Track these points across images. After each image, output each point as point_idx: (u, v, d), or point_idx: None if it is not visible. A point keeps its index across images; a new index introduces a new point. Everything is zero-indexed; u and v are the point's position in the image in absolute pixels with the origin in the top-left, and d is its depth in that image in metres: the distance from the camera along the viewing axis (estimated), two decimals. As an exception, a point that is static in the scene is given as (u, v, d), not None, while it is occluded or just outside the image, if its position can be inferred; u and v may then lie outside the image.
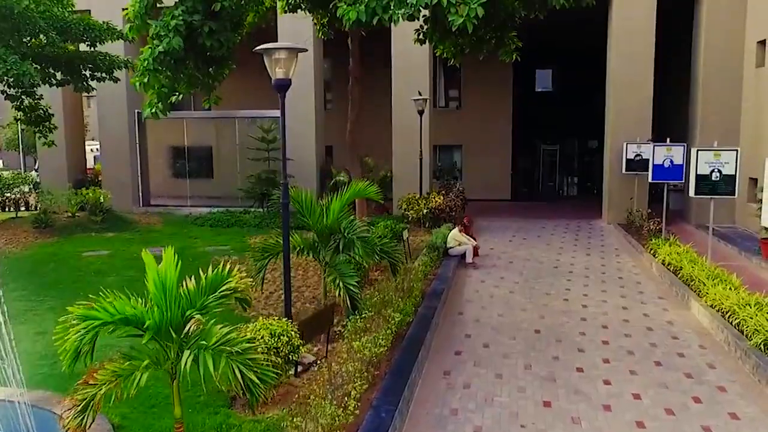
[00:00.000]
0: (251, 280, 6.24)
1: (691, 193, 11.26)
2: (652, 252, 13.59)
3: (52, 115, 16.05)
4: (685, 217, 18.41)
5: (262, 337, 6.36)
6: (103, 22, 16.16)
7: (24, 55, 13.65)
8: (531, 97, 27.16)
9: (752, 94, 16.55)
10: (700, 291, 10.32)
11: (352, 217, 9.48)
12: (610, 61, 18.12)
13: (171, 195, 22.16)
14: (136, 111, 20.99)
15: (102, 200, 18.49)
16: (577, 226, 18.43)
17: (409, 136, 18.49)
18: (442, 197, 17.19)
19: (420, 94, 17.70)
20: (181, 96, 9.93)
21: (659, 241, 13.85)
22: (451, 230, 14.17)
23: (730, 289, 9.75)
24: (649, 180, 14.55)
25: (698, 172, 10.90)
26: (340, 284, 7.98)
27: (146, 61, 8.84)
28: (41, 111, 15.47)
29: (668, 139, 14.62)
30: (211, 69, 10.11)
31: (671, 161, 14.02)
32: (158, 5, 9.47)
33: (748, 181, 16.66)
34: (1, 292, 5.84)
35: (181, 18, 8.76)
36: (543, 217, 19.88)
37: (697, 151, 10.95)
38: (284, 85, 7.19)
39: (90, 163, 27.27)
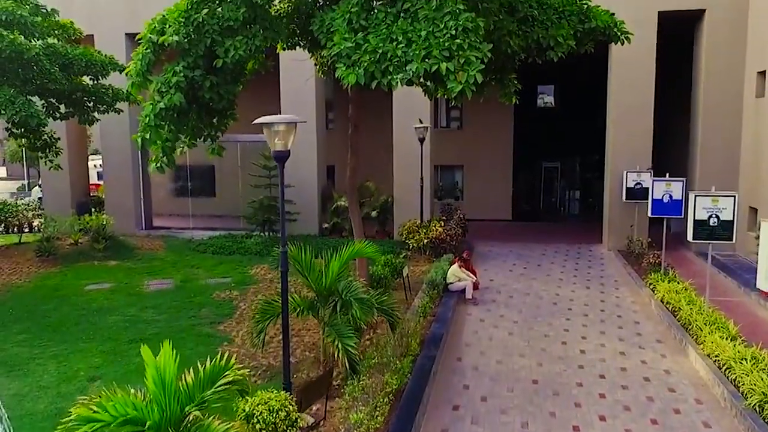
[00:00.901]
0: (248, 369, 6.29)
1: (690, 238, 11.32)
2: (651, 287, 13.67)
3: (58, 139, 16.15)
4: (684, 241, 18.40)
5: (260, 413, 6.43)
6: (105, 56, 16.29)
7: (29, 91, 13.78)
8: (532, 114, 27.16)
9: (752, 123, 16.59)
10: (697, 336, 10.39)
11: (350, 278, 9.55)
12: (611, 89, 18.17)
13: (173, 213, 22.30)
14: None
15: (105, 225, 18.60)
16: (577, 252, 18.48)
17: (410, 161, 18.58)
18: (442, 226, 17.25)
19: (420, 121, 17.77)
20: (185, 148, 10.01)
21: (658, 275, 13.92)
22: (450, 264, 14.24)
23: (727, 339, 9.81)
24: (649, 215, 14.59)
25: (696, 218, 10.95)
26: (339, 346, 8.05)
27: (148, 118, 8.93)
28: (47, 138, 15.57)
29: (668, 174, 14.68)
30: (214, 120, 10.20)
31: (670, 196, 14.08)
32: (161, 56, 9.53)
33: (748, 210, 16.73)
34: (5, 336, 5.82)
35: (182, 74, 8.84)
36: (543, 242, 19.93)
37: (695, 196, 11.00)
38: (283, 156, 7.27)
39: (93, 178, 27.40)
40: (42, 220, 18.75)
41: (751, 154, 16.60)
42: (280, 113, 18.50)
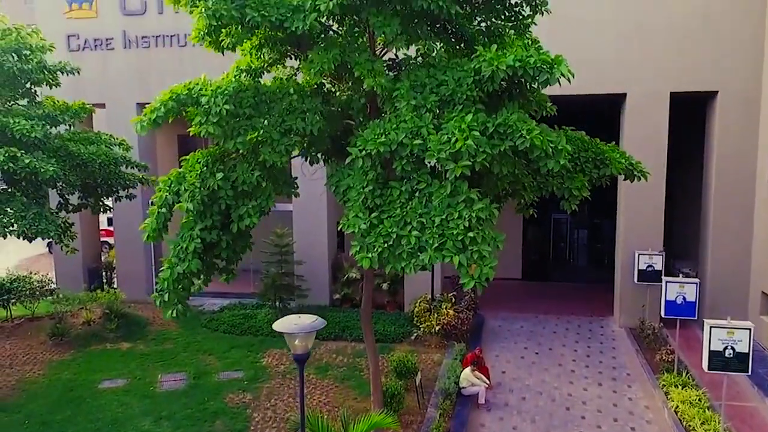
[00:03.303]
0: None
1: (705, 368, 11.27)
2: (665, 390, 13.63)
3: (72, 224, 16.25)
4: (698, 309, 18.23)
5: None
6: (119, 142, 16.42)
7: (42, 195, 13.89)
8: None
9: (765, 207, 16.50)
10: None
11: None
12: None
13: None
14: (150, 201, 21.20)
15: (116, 300, 18.71)
16: (588, 330, 18.42)
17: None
18: (452, 306, 17.25)
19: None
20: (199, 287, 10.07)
21: (672, 377, 13.89)
22: (463, 365, 14.24)
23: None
24: (662, 315, 14.54)
25: (711, 348, 10.93)
26: None
27: (166, 282, 8.99)
28: (61, 224, 15.70)
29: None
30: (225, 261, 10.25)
31: (684, 298, 14.03)
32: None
33: (761, 295, 16.65)
34: None
35: (198, 239, 8.89)
36: (554, 312, 19.90)
37: (711, 327, 10.97)
38: (303, 359, 7.30)
39: (103, 223, 27.51)
40: (54, 297, 18.86)
41: (764, 239, 16.50)
42: (291, 204, 18.61)
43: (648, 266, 17.13)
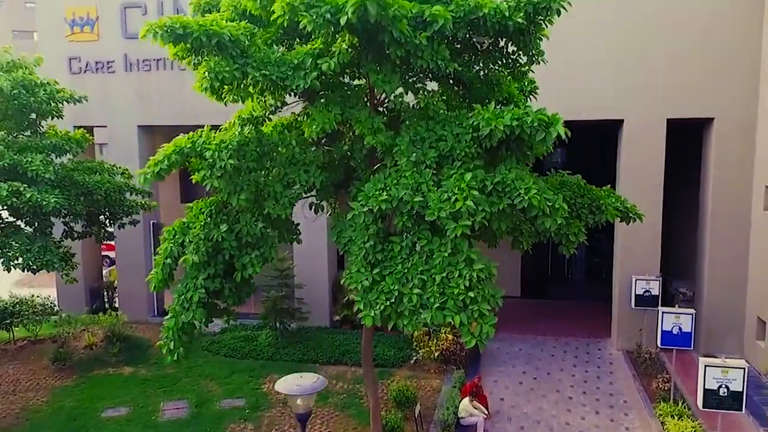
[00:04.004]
0: None
1: (699, 406, 11.45)
2: (660, 419, 13.82)
3: (74, 254, 16.40)
4: (695, 333, 18.38)
5: None
6: (122, 171, 16.58)
7: (47, 225, 14.06)
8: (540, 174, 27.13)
9: (761, 235, 16.69)
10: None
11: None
12: (619, 193, 18.22)
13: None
14: (151, 222, 21.40)
15: (118, 323, 18.86)
16: (586, 353, 18.61)
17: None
18: (452, 335, 17.41)
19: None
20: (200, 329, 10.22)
21: (668, 406, 14.08)
22: (462, 394, 14.42)
23: None
24: (659, 345, 14.72)
25: (706, 387, 11.11)
26: None
27: (170, 331, 9.15)
28: (63, 253, 15.83)
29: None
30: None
31: (680, 328, 14.22)
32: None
33: (756, 320, 16.84)
34: None
35: (202, 288, 9.06)
36: (553, 333, 20.09)
37: (705, 366, 11.15)
38: (305, 419, 7.46)
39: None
40: (57, 319, 18.98)
41: (760, 265, 16.70)
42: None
43: (645, 291, 17.31)
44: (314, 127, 8.57)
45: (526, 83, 10.91)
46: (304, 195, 9.44)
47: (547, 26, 9.22)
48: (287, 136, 9.36)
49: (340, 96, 8.94)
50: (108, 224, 16.90)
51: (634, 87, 17.50)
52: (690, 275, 20.03)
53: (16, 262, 13.01)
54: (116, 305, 22.32)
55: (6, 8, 68.58)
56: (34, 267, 13.09)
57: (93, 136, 21.84)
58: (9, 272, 13.65)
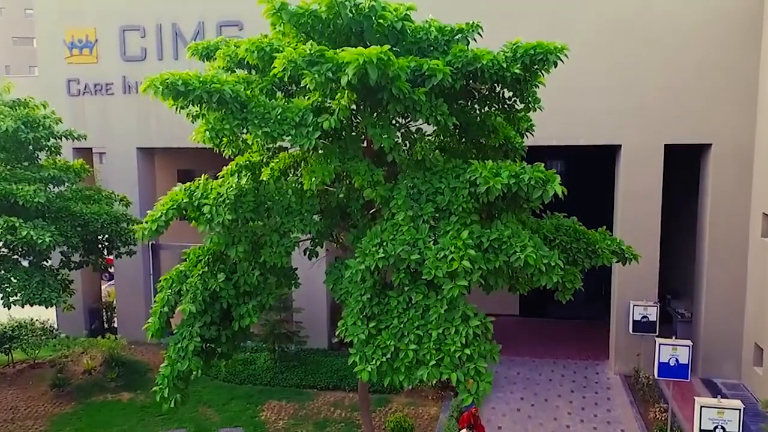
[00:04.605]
0: None
1: (696, 447, 11.51)
2: (658, 452, 13.89)
3: (71, 281, 16.42)
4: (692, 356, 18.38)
5: None
6: (120, 199, 16.61)
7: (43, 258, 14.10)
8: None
9: (758, 262, 16.72)
10: None
11: None
12: (617, 218, 18.30)
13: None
14: (150, 243, 21.42)
15: (116, 347, 18.89)
16: (584, 377, 18.63)
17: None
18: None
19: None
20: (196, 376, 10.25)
21: (666, 438, 14.17)
22: (459, 427, 14.42)
23: None
24: (655, 376, 14.76)
25: (702, 427, 11.15)
26: None
27: (166, 379, 9.19)
28: (60, 280, 15.82)
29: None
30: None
31: (677, 360, 14.24)
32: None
33: (754, 347, 16.88)
34: None
35: (197, 337, 9.09)
36: (550, 356, 20.12)
37: (701, 407, 11.19)
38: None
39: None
40: (56, 342, 19.01)
41: (757, 292, 16.73)
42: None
43: (643, 317, 17.36)
44: (314, 179, 8.60)
45: (522, 123, 10.94)
46: (300, 240, 9.46)
47: (543, 75, 9.25)
48: (284, 185, 9.39)
49: (338, 146, 8.97)
50: (105, 253, 16.91)
51: (632, 113, 17.53)
52: (689, 293, 20.06)
53: (15, 298, 13.03)
54: (115, 325, 22.36)
55: (6, 15, 68.70)
56: (33, 303, 13.10)
57: (92, 156, 21.98)
58: (9, 309, 13.68)
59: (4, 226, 12.42)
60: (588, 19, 17.38)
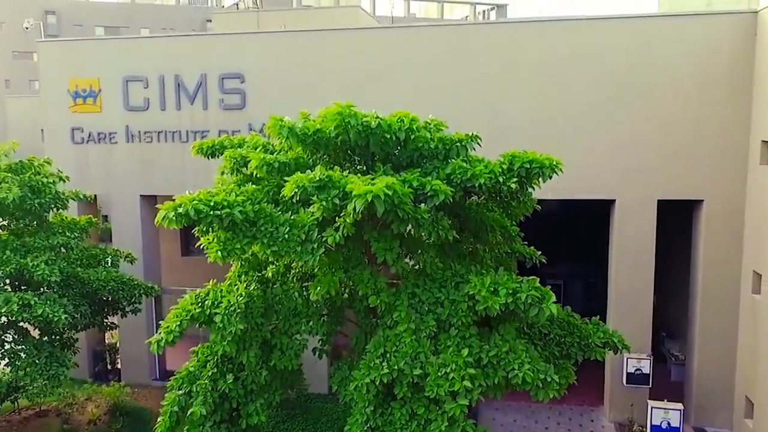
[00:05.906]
0: None
1: None
2: None
3: (76, 340, 16.74)
4: (685, 400, 18.72)
5: None
6: (123, 253, 16.96)
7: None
8: (533, 222, 27.38)
9: (749, 317, 17.15)
10: None
11: None
12: (611, 273, 18.71)
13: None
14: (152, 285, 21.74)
15: (121, 394, 19.21)
16: (579, 425, 19.05)
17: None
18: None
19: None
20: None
21: (658, 497, 14.58)
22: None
23: None
24: (648, 435, 15.20)
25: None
26: None
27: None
28: (66, 340, 16.02)
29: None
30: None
31: (669, 423, 14.67)
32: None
33: (745, 399, 17.30)
34: None
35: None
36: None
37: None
38: None
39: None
40: (61, 392, 19.29)
41: (749, 346, 17.15)
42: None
43: (636, 369, 17.78)
44: (319, 289, 8.97)
45: (518, 212, 11.31)
46: (307, 341, 9.83)
47: (540, 184, 9.64)
48: (290, 288, 9.75)
49: (342, 255, 9.34)
50: (110, 314, 17.24)
51: (626, 169, 17.92)
52: (683, 334, 20.44)
53: (22, 372, 13.31)
54: (119, 366, 22.68)
55: (5, 30, 68.86)
56: (39, 381, 13.40)
57: (96, 203, 22.30)
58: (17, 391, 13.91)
59: (20, 303, 12.69)
60: (587, 81, 17.81)
